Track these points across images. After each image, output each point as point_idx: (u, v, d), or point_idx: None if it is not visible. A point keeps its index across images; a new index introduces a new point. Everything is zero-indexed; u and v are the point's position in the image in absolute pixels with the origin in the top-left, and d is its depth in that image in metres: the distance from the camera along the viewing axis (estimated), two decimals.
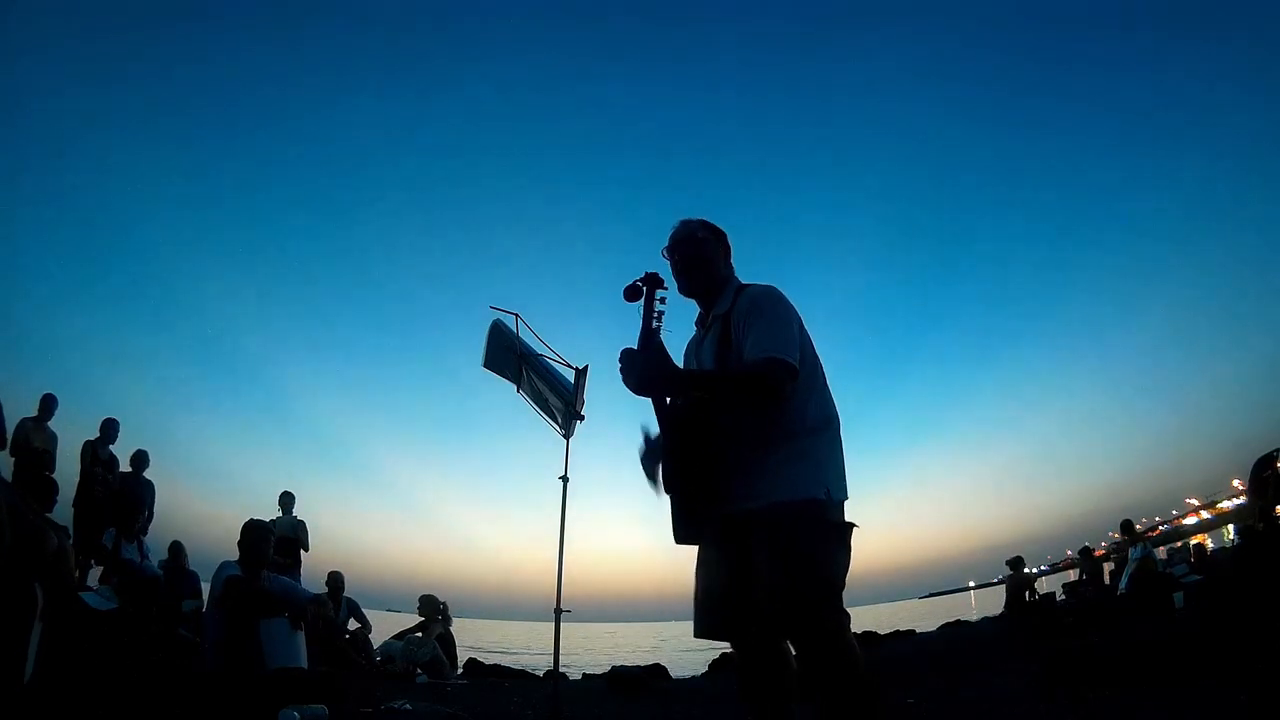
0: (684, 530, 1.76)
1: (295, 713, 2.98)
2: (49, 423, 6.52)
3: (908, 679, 4.87)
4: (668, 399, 1.78)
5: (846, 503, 1.73)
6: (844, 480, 1.73)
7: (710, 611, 1.76)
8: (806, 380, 1.72)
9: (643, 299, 1.78)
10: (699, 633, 1.80)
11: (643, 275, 1.80)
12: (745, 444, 1.70)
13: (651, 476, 1.87)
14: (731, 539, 1.69)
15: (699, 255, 1.88)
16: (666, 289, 1.82)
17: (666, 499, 1.79)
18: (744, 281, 1.90)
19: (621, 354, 1.71)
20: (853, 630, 1.66)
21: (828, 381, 1.81)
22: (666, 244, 1.92)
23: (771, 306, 1.74)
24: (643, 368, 1.70)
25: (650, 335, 1.75)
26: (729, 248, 1.95)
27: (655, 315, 1.76)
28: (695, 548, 1.83)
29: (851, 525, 1.70)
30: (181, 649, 4.49)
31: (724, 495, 1.70)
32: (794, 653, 1.66)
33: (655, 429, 1.85)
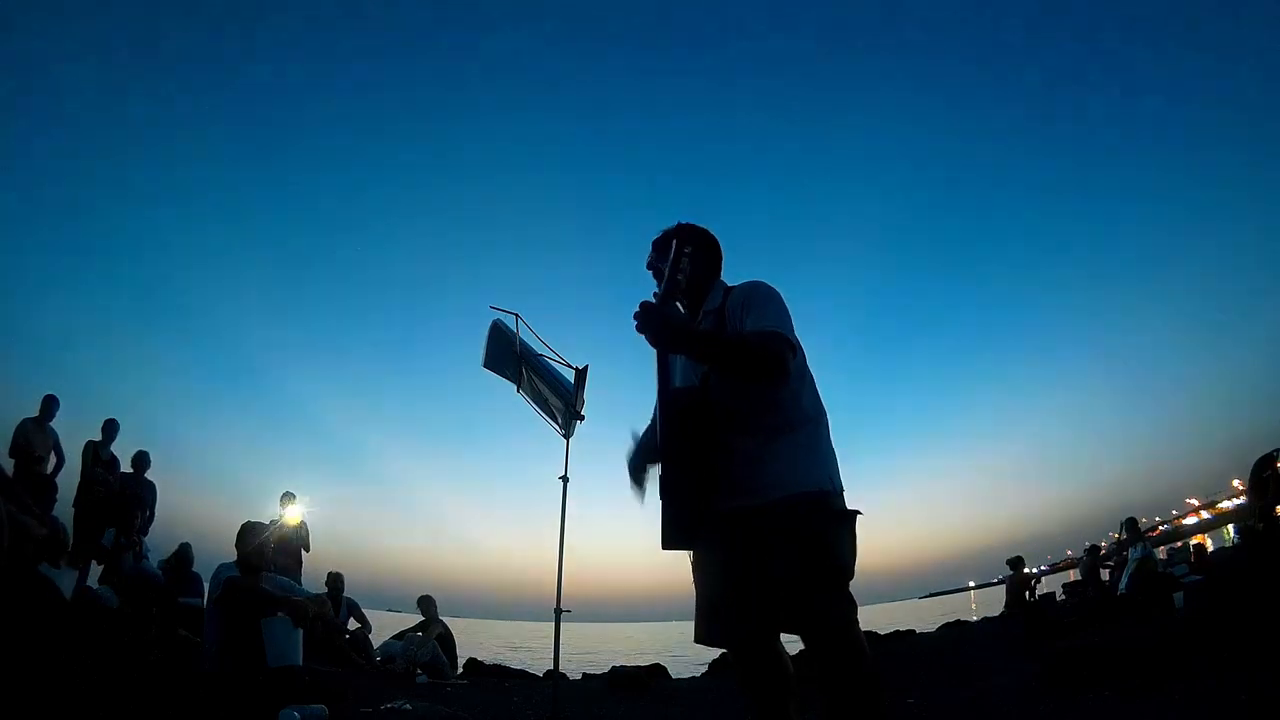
0: (677, 532, 1.67)
1: (295, 712, 2.98)
2: (50, 423, 6.52)
3: (908, 679, 4.87)
4: (672, 384, 1.75)
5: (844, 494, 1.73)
6: (839, 470, 1.74)
7: (715, 619, 1.72)
8: (800, 372, 1.74)
9: (671, 250, 1.73)
10: (701, 639, 1.76)
11: (675, 226, 1.81)
12: (748, 432, 1.69)
13: (638, 482, 1.87)
14: (733, 539, 1.65)
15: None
16: (690, 247, 1.77)
17: (658, 502, 1.69)
18: (730, 283, 1.92)
19: (641, 305, 1.67)
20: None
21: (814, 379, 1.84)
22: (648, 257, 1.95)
23: (770, 294, 1.77)
24: (659, 320, 1.65)
25: (673, 287, 1.71)
26: (716, 252, 1.96)
27: (680, 269, 1.71)
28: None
29: (856, 512, 1.69)
30: (182, 649, 4.50)
31: (728, 489, 1.65)
32: (802, 645, 1.62)
33: (642, 433, 1.86)
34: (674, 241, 1.74)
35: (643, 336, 1.66)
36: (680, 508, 1.66)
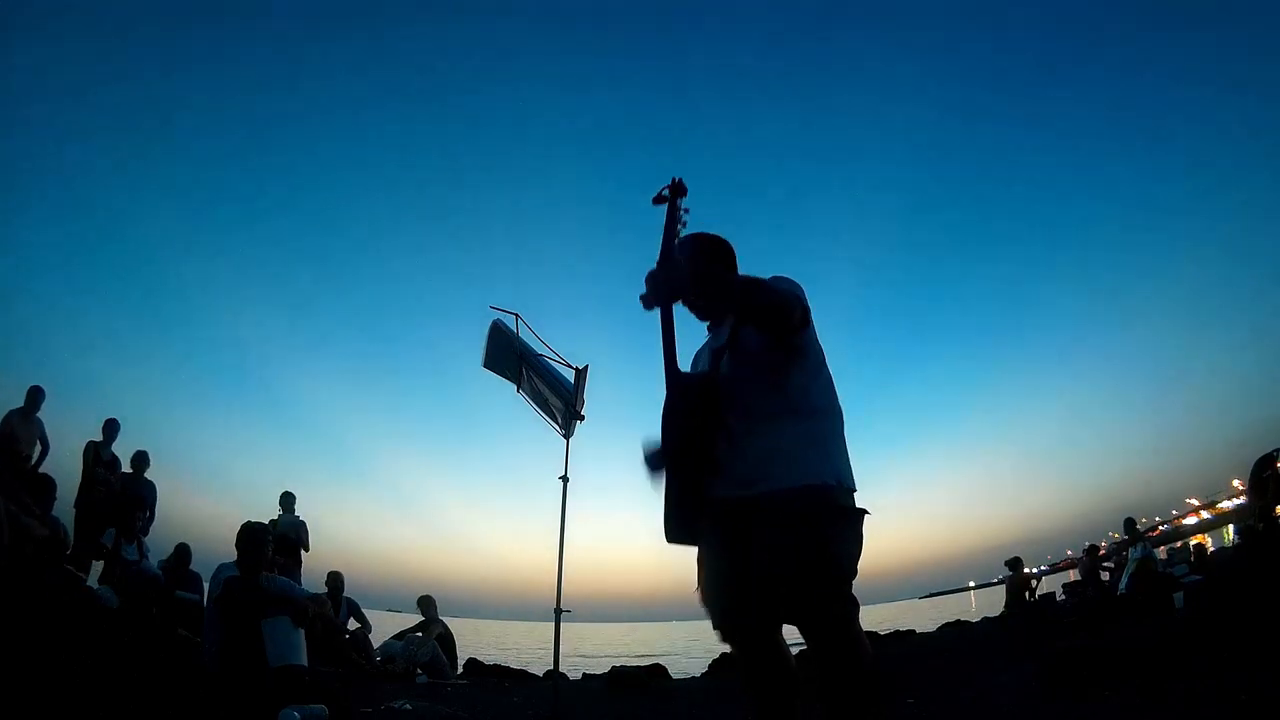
0: (680, 525, 1.69)
1: (295, 712, 2.98)
2: (36, 414, 6.51)
3: (907, 679, 4.87)
4: (676, 363, 1.73)
5: (855, 493, 1.69)
6: (851, 469, 1.70)
7: (726, 607, 1.70)
8: (813, 366, 1.72)
9: (667, 206, 1.71)
10: (718, 625, 1.74)
11: (670, 182, 1.73)
12: (752, 418, 1.66)
13: (654, 471, 1.80)
14: (734, 532, 1.64)
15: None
16: (686, 196, 1.75)
17: (661, 495, 1.70)
18: None
19: (647, 276, 1.63)
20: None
21: (833, 379, 1.80)
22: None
23: (790, 280, 1.76)
24: (668, 275, 1.62)
25: (671, 245, 1.68)
26: (730, 258, 1.93)
27: (678, 224, 1.69)
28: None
29: (863, 511, 1.66)
30: (182, 649, 4.50)
31: (730, 477, 1.65)
32: (803, 642, 1.62)
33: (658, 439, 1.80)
34: (669, 198, 1.70)
35: (651, 319, 1.62)
36: (684, 499, 1.68)
